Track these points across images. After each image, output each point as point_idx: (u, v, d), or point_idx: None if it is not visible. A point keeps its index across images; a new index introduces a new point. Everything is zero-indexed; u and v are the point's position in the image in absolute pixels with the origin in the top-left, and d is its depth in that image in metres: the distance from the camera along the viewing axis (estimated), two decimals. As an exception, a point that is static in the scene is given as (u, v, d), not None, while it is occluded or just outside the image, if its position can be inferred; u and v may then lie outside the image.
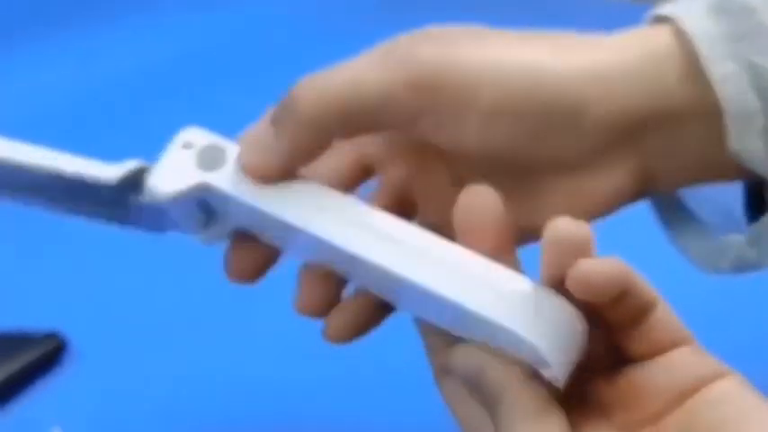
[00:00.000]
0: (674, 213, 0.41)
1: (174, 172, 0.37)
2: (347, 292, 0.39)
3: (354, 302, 0.39)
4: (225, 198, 0.37)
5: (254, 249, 0.39)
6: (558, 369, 0.33)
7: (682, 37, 0.36)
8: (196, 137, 0.38)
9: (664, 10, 0.37)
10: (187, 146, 0.38)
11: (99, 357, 0.54)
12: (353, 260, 0.36)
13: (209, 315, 0.57)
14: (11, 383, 0.51)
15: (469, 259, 0.35)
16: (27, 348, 0.52)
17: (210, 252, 0.54)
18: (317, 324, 0.40)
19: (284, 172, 0.36)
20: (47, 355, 0.52)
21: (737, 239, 0.38)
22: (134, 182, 0.38)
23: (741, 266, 0.39)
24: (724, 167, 0.37)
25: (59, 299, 0.58)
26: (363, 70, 0.35)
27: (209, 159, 0.37)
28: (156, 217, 0.39)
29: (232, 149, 0.37)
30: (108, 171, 0.38)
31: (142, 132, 0.67)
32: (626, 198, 0.38)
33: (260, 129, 0.37)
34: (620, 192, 0.38)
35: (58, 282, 0.60)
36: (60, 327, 0.54)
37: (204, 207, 0.38)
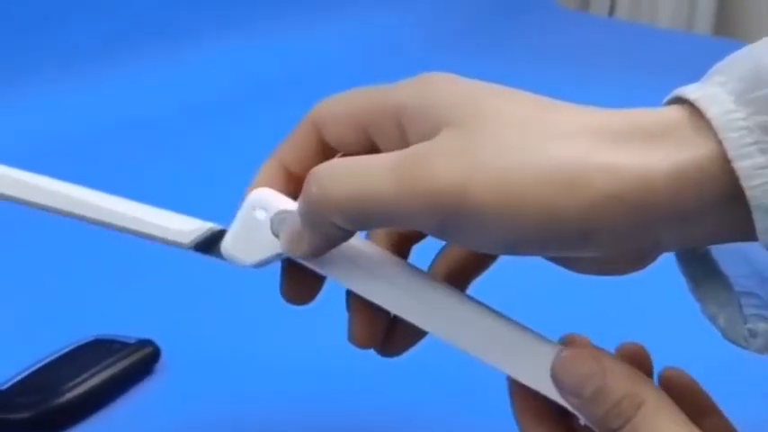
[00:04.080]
0: (701, 276, 0.39)
1: (251, 239, 0.39)
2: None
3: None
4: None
5: (306, 274, 0.41)
6: None
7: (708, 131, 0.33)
8: (268, 201, 0.39)
9: (691, 93, 0.34)
10: (262, 210, 0.39)
11: (191, 368, 0.55)
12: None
13: (302, 328, 0.58)
14: (107, 387, 0.52)
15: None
16: (123, 354, 0.53)
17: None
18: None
19: (315, 255, 0.38)
20: (142, 360, 0.54)
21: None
22: (207, 243, 0.40)
23: None
24: (751, 237, 0.34)
25: (154, 310, 0.61)
26: (376, 182, 0.34)
27: (282, 224, 0.39)
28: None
29: None
30: (180, 232, 0.40)
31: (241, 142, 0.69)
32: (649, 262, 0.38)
33: (294, 215, 0.38)
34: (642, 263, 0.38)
35: (153, 294, 0.62)
36: (153, 337, 0.55)
37: None
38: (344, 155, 0.40)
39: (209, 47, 1.05)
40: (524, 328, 0.38)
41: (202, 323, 0.60)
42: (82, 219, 0.40)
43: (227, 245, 0.39)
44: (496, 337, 0.38)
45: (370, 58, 1.08)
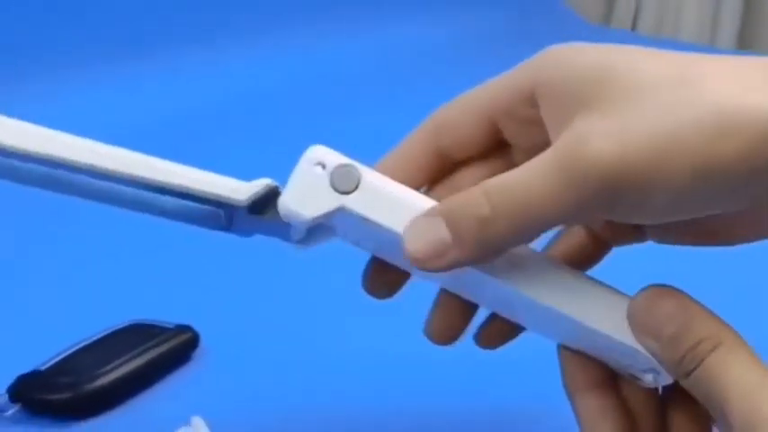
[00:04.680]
0: None
1: (309, 194, 0.38)
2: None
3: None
4: (358, 218, 0.38)
5: (391, 268, 0.40)
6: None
7: None
8: (326, 156, 0.38)
9: None
10: (319, 165, 0.38)
11: (230, 355, 0.55)
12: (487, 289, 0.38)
13: (341, 314, 0.58)
14: (145, 372, 0.52)
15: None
16: (161, 339, 0.53)
17: (338, 255, 0.56)
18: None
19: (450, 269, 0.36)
20: (181, 346, 0.54)
21: None
22: (263, 202, 0.39)
23: None
24: None
25: (193, 296, 0.61)
26: (539, 188, 0.34)
27: (342, 180, 0.38)
28: (259, 228, 0.40)
29: (361, 169, 0.38)
30: (236, 190, 0.39)
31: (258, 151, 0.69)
32: None
33: (434, 225, 0.36)
34: None
35: (193, 280, 0.62)
36: (192, 323, 0.55)
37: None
38: (459, 162, 0.40)
39: (215, 55, 1.05)
40: (590, 277, 0.38)
41: (242, 310, 0.59)
42: (131, 180, 0.39)
43: (284, 201, 0.38)
44: (568, 285, 0.37)
45: (385, 66, 1.07)
